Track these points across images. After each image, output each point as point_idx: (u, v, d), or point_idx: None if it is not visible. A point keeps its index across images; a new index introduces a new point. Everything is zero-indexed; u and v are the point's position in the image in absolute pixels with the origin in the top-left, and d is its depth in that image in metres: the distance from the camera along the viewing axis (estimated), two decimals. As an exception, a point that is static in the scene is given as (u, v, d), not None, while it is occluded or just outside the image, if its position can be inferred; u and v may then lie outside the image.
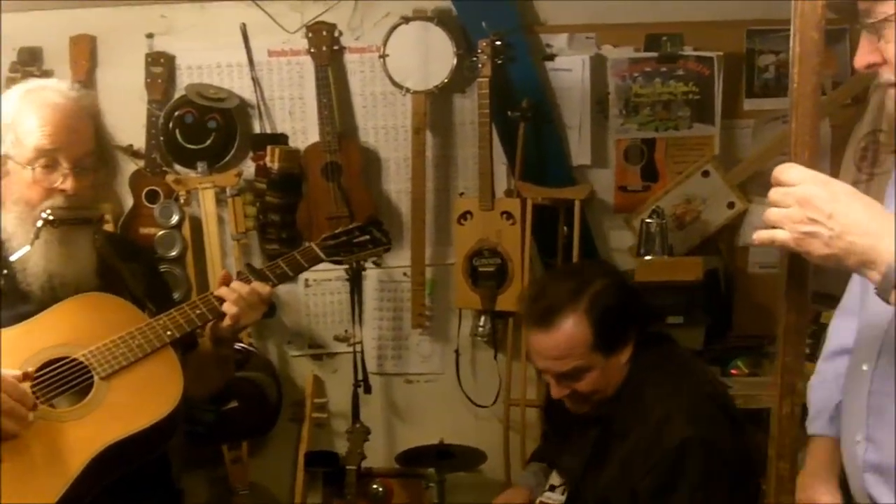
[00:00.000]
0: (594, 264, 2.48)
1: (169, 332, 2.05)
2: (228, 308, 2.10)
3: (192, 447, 3.38)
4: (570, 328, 2.28)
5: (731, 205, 3.56)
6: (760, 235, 1.42)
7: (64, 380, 1.94)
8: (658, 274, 3.31)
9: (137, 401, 1.96)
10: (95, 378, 1.95)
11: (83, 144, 2.05)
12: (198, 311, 2.09)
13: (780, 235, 1.37)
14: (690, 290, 3.35)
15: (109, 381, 1.96)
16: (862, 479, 1.60)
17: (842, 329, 1.86)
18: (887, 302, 1.35)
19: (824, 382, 1.85)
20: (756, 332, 3.51)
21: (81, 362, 1.96)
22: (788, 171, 1.38)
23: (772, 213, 1.39)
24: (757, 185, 3.58)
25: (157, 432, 1.96)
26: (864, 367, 1.58)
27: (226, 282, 2.15)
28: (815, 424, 1.87)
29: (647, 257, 3.37)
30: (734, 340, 3.54)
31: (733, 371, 3.49)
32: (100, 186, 2.14)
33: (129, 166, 3.54)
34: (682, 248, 3.53)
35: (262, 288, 2.15)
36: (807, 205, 1.34)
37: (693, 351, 3.32)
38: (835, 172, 3.46)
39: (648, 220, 3.41)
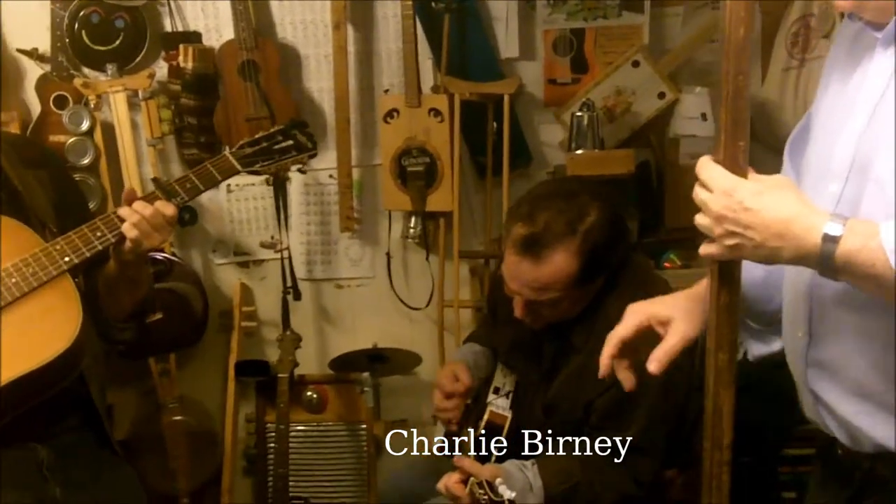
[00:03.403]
0: (588, 187, 2.36)
1: (67, 259, 1.92)
2: (128, 231, 1.96)
3: (118, 362, 3.31)
4: (558, 264, 2.21)
5: (661, 95, 3.48)
6: (701, 251, 1.43)
7: (-47, 315, 1.82)
8: (590, 168, 3.24)
9: (32, 337, 1.83)
10: (-14, 312, 1.83)
11: None
12: (98, 234, 1.96)
13: (712, 250, 1.39)
14: (623, 183, 3.30)
15: (1, 316, 1.83)
16: (805, 374, 1.56)
17: None
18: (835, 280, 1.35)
19: None
20: (688, 224, 3.44)
21: (-30, 295, 1.83)
22: (702, 171, 1.38)
23: (699, 222, 1.40)
24: (687, 73, 3.51)
25: (56, 368, 1.84)
26: None
27: (129, 200, 2.02)
28: None
29: (579, 151, 3.28)
30: (666, 233, 3.51)
31: (667, 264, 3.46)
32: None
33: (36, 71, 3.35)
34: (613, 141, 3.45)
35: (165, 208, 2.01)
36: (723, 220, 1.35)
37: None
38: (766, 59, 3.42)
39: (579, 114, 3.30)
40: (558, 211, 2.23)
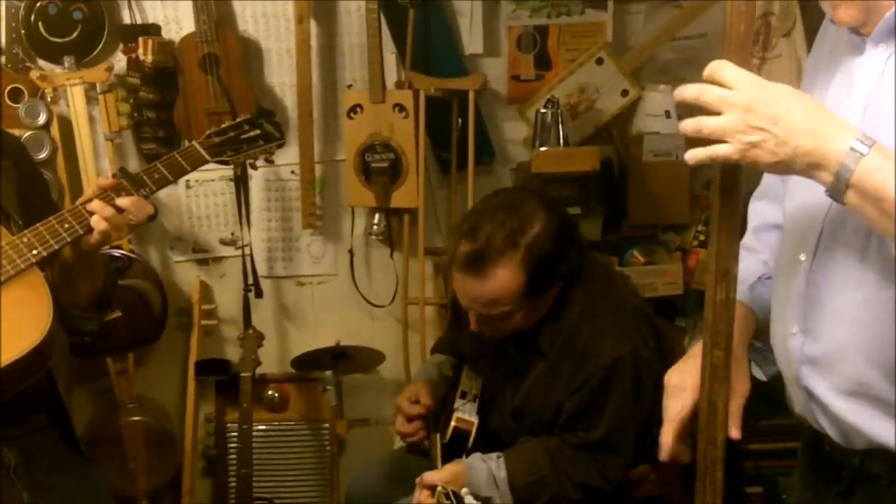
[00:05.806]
0: (532, 197, 2.31)
1: (35, 252, 1.86)
2: (97, 223, 1.91)
3: (76, 360, 3.22)
4: (503, 279, 2.20)
5: (624, 92, 3.49)
6: (698, 154, 1.34)
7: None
8: (555, 165, 3.24)
9: (2, 332, 1.77)
10: (-47, 309, 1.76)
11: None
12: (66, 226, 1.90)
13: (722, 150, 1.31)
14: (587, 180, 3.30)
15: None
16: (798, 371, 1.55)
17: (766, 211, 1.81)
18: (841, 203, 1.31)
19: (752, 252, 1.77)
20: (650, 221, 3.51)
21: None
22: (723, 71, 1.32)
23: (709, 123, 1.32)
24: (650, 71, 3.52)
25: (28, 364, 1.79)
26: (802, 258, 1.51)
27: (103, 194, 1.96)
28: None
29: (543, 148, 3.28)
30: (629, 230, 3.52)
31: (630, 261, 3.48)
32: None
33: (-11, 63, 3.27)
34: (576, 138, 3.45)
35: (144, 207, 1.98)
36: (750, 112, 1.29)
37: (591, 242, 3.30)
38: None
39: (543, 111, 3.30)
40: (500, 224, 2.22)
